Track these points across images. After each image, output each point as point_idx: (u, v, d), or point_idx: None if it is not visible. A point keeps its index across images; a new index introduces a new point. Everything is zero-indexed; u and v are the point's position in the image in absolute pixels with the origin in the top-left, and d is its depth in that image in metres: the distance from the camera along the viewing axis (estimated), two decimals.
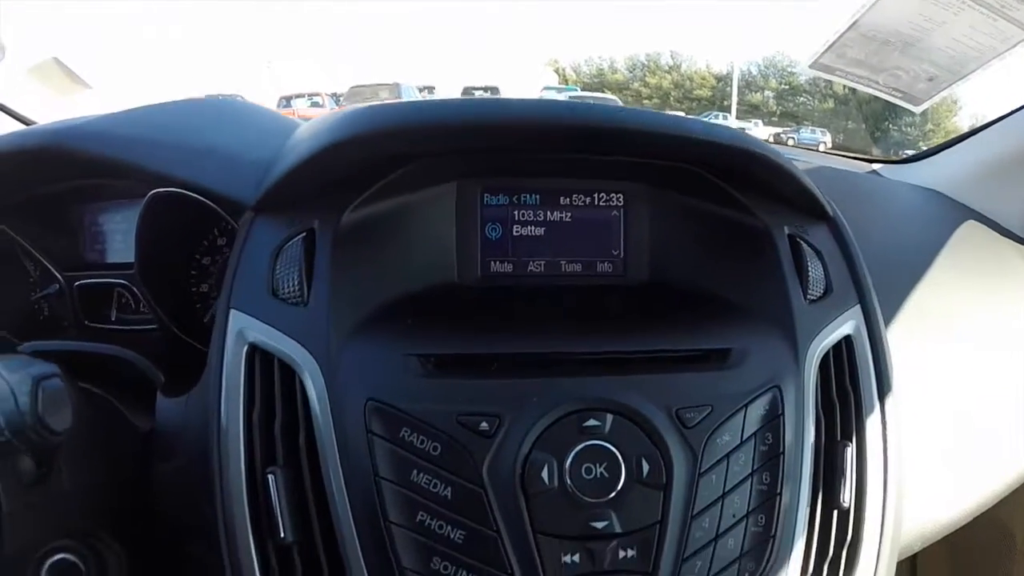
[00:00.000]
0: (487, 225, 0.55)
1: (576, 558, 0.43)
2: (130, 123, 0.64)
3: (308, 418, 0.45)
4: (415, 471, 0.43)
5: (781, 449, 0.47)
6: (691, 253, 0.56)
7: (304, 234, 0.49)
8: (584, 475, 0.43)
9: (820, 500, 0.49)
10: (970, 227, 0.79)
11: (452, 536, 0.42)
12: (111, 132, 0.62)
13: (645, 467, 0.44)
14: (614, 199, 0.56)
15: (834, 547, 0.49)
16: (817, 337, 0.51)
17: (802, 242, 0.54)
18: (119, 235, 0.71)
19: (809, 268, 0.53)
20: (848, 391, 0.52)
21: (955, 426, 0.66)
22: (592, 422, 0.44)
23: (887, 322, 0.55)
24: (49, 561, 0.51)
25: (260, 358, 0.47)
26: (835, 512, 0.50)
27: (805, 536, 0.48)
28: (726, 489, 0.46)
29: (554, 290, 0.55)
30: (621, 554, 0.43)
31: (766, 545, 0.46)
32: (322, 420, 0.44)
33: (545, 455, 0.43)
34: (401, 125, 0.49)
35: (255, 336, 0.47)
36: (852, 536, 0.50)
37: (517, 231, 0.56)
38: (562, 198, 0.56)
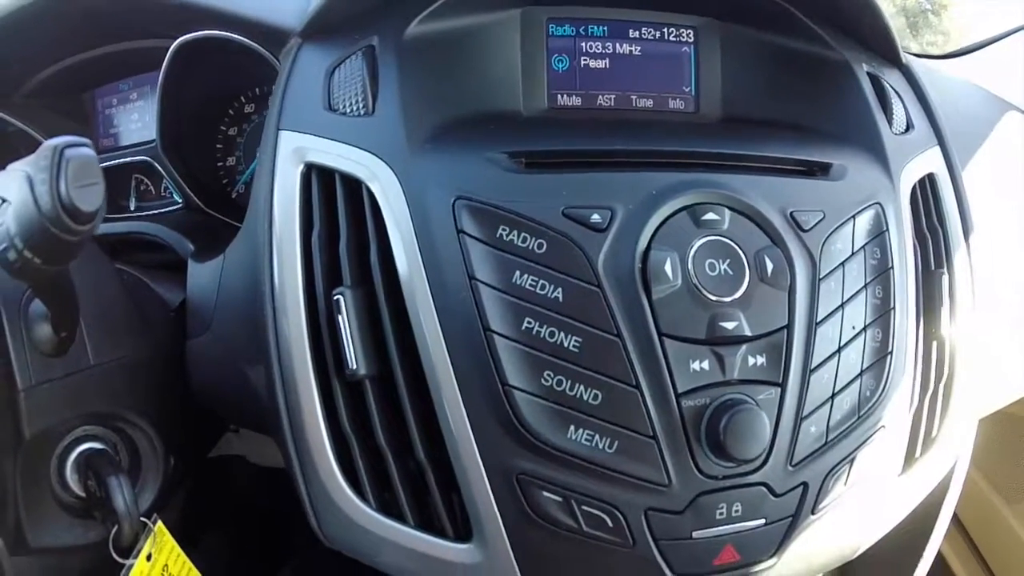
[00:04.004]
0: (553, 56, 0.51)
1: (705, 364, 0.39)
2: None
3: (381, 233, 0.40)
4: (518, 272, 0.38)
5: (890, 264, 0.45)
6: (767, 88, 0.53)
7: (363, 50, 0.45)
8: (708, 271, 0.39)
9: (923, 327, 0.47)
10: (1012, 120, 0.77)
11: (566, 343, 0.38)
12: None
13: (768, 265, 0.41)
14: (684, 34, 0.53)
15: (935, 380, 0.48)
16: (907, 166, 0.49)
17: (883, 80, 0.52)
18: (135, 114, 0.64)
19: (892, 104, 0.51)
20: (936, 226, 0.50)
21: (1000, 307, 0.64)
22: (711, 216, 0.41)
23: None
24: (76, 452, 0.45)
25: (319, 177, 0.42)
26: (935, 344, 0.48)
27: (915, 362, 0.45)
28: (844, 298, 0.43)
29: (626, 125, 0.51)
30: (751, 361, 0.40)
31: (884, 362, 0.44)
32: (401, 228, 0.39)
33: (666, 248, 0.39)
34: None
35: (313, 154, 0.42)
36: (948, 371, 0.48)
37: (584, 63, 0.52)
38: (631, 31, 0.52)
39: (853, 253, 0.44)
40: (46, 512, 0.44)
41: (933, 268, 0.49)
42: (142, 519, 0.45)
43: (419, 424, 0.39)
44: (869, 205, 0.45)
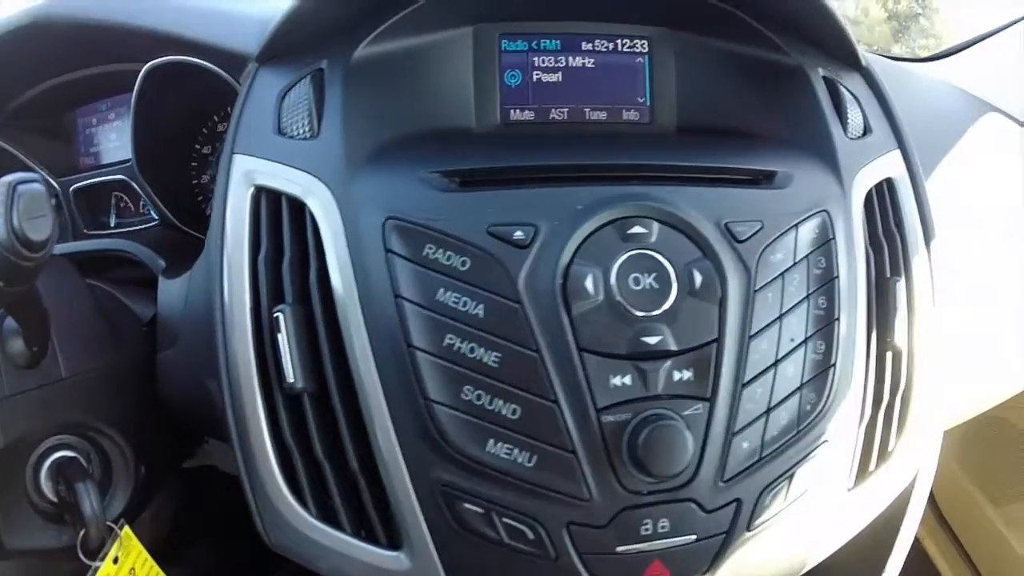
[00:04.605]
0: (506, 71, 0.52)
1: (627, 380, 0.39)
2: None
3: (320, 252, 0.41)
4: (441, 289, 0.39)
5: (835, 273, 0.44)
6: (722, 96, 0.52)
7: (313, 74, 0.46)
8: (632, 286, 0.40)
9: (875, 337, 0.46)
10: (992, 121, 0.75)
11: (485, 359, 0.39)
12: None
13: (697, 278, 0.40)
14: (638, 45, 0.53)
15: (889, 392, 0.46)
16: (861, 171, 0.48)
17: (839, 84, 0.51)
18: (113, 133, 0.67)
19: (847, 108, 0.50)
20: (894, 232, 0.49)
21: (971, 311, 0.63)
22: (638, 229, 0.41)
23: None
24: (49, 459, 0.47)
25: (267, 199, 0.44)
26: (889, 354, 0.47)
27: (864, 374, 0.44)
28: (783, 310, 0.42)
29: (579, 139, 0.52)
30: (676, 376, 0.40)
31: (827, 375, 0.43)
32: (337, 248, 0.41)
33: (588, 264, 0.40)
34: None
35: (261, 177, 0.44)
36: (906, 382, 0.47)
37: (537, 77, 0.52)
38: (584, 43, 0.53)
39: (795, 263, 0.43)
40: (22, 516, 0.47)
41: (889, 276, 0.47)
42: (109, 524, 0.47)
43: (352, 436, 0.40)
44: (814, 213, 0.45)
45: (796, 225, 0.44)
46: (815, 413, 0.42)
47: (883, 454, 0.47)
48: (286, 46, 0.48)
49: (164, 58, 0.53)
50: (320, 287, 0.41)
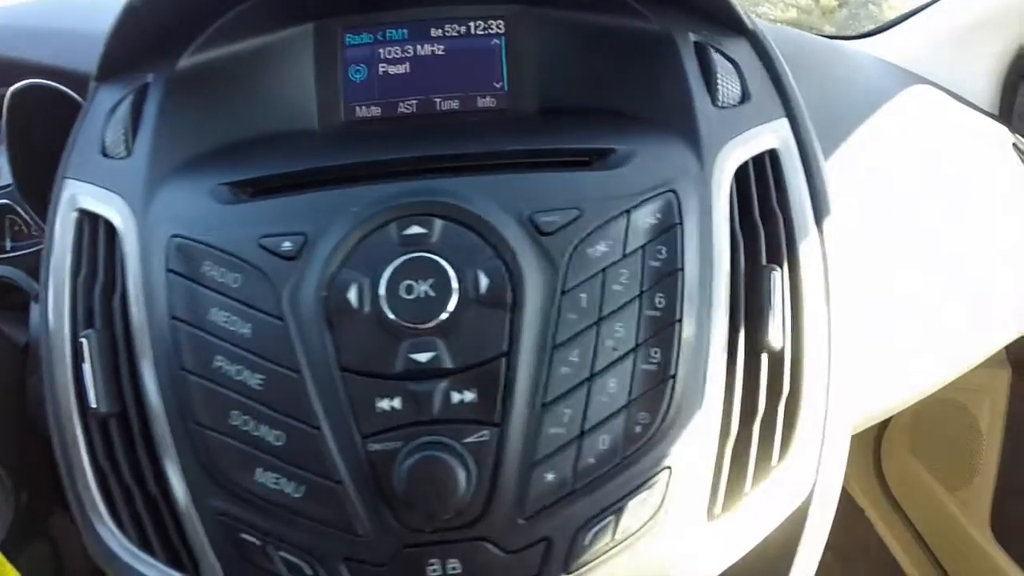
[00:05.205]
0: (350, 67, 0.49)
1: (395, 403, 0.34)
2: None
3: (125, 275, 0.40)
4: (214, 309, 0.37)
5: (679, 265, 0.37)
6: (585, 74, 0.47)
7: (137, 90, 0.45)
8: (404, 295, 0.35)
9: (743, 339, 0.38)
10: (925, 94, 0.68)
11: (251, 382, 0.36)
12: None
13: (483, 282, 0.35)
14: (493, 26, 0.48)
15: (766, 401, 0.39)
16: (729, 143, 0.41)
17: (712, 50, 0.44)
18: (2, 157, 0.67)
19: (719, 74, 0.43)
20: (776, 212, 0.41)
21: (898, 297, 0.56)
22: (415, 229, 0.36)
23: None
24: None
25: (88, 222, 0.43)
26: (764, 356, 0.39)
27: (723, 383, 0.37)
28: (603, 313, 0.36)
29: (424, 132, 0.47)
30: (456, 397, 0.35)
31: (663, 388, 0.36)
32: (131, 269, 0.39)
33: (356, 273, 0.35)
34: None
35: (83, 200, 0.43)
36: (790, 387, 0.39)
37: (383, 70, 0.49)
38: (433, 30, 0.48)
39: (624, 256, 0.37)
40: None
41: (765, 263, 0.40)
42: None
43: (150, 461, 0.39)
44: (656, 194, 0.38)
45: (629, 210, 0.37)
46: (648, 435, 0.36)
47: (762, 473, 0.39)
48: (120, 62, 0.47)
49: (24, 82, 0.53)
50: (121, 311, 0.40)
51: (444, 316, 0.35)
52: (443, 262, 0.35)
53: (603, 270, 0.36)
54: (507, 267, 0.35)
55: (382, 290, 0.35)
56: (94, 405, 0.39)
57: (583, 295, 0.36)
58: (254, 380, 0.35)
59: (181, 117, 0.44)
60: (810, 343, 0.39)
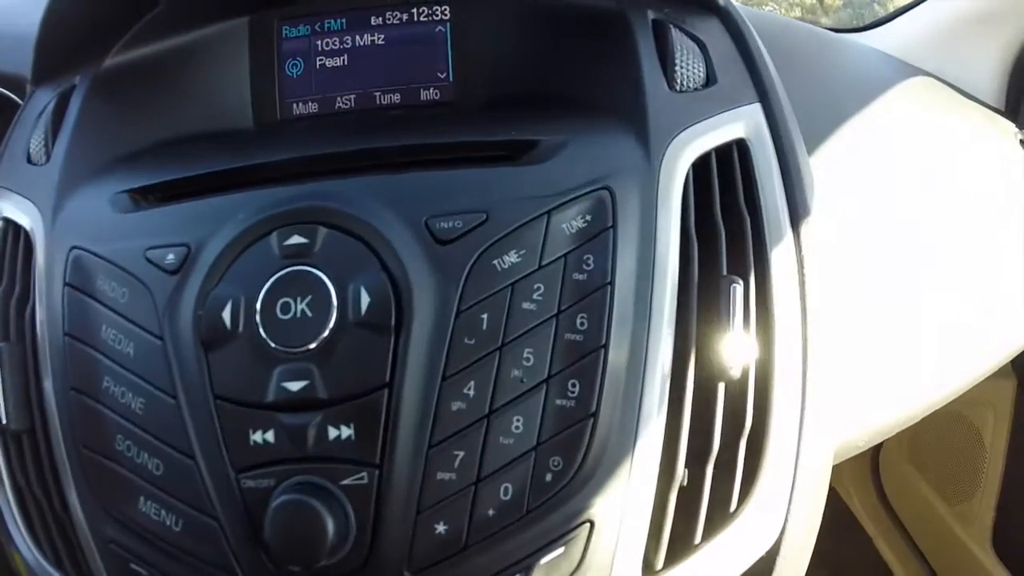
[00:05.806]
0: (287, 61, 0.45)
1: (268, 436, 0.31)
2: None
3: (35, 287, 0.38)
4: (104, 325, 0.34)
5: (608, 279, 0.33)
6: (536, 60, 0.43)
7: (63, 93, 0.43)
8: (280, 314, 0.31)
9: (692, 366, 0.34)
10: (928, 88, 0.63)
11: (132, 405, 0.33)
12: None
13: (364, 300, 0.31)
14: (438, 12, 0.45)
15: (722, 438, 0.34)
16: (686, 132, 0.36)
17: (673, 28, 0.40)
18: None
19: (677, 55, 0.39)
20: (743, 213, 0.36)
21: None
22: (296, 239, 0.32)
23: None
24: None
25: (11, 231, 0.41)
26: (721, 386, 0.34)
27: (662, 420, 0.33)
28: (508, 337, 0.32)
29: (367, 128, 0.44)
30: (332, 432, 0.31)
31: (583, 428, 0.32)
32: (37, 281, 0.37)
33: (231, 290, 0.32)
34: None
35: (6, 209, 0.41)
36: (754, 420, 0.34)
37: (320, 63, 0.45)
38: (373, 18, 0.45)
39: (540, 267, 0.32)
40: None
41: (725, 274, 0.35)
42: None
43: (54, 482, 0.37)
44: (586, 193, 0.33)
45: (548, 212, 0.33)
46: (563, 483, 0.31)
47: (718, 521, 0.34)
48: (52, 64, 0.44)
49: None
50: (31, 324, 0.38)
51: (320, 340, 0.31)
52: (324, 276, 0.32)
53: (511, 285, 0.32)
54: (393, 282, 0.32)
55: (258, 307, 0.32)
56: (4, 421, 0.37)
57: (484, 315, 0.32)
58: (136, 403, 0.33)
59: (102, 119, 0.42)
60: (780, 368, 0.35)
